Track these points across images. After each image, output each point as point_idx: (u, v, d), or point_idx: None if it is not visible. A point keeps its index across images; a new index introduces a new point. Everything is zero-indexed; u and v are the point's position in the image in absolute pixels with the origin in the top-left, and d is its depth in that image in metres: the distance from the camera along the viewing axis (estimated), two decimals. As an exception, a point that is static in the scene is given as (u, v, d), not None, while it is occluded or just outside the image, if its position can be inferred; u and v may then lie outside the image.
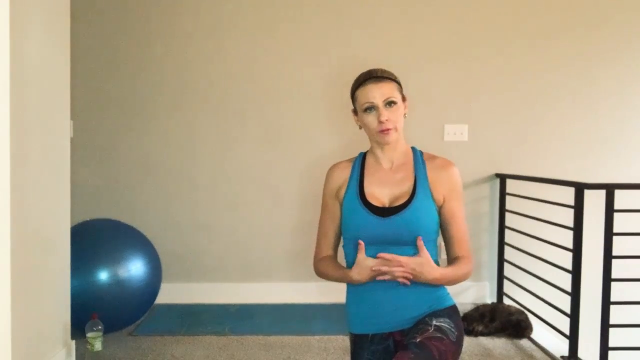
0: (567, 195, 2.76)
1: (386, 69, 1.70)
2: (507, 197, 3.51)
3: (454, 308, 1.67)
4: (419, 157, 1.71)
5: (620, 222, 2.59)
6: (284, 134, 3.58)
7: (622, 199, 2.65)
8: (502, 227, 3.52)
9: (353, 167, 1.73)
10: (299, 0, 3.57)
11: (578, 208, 2.66)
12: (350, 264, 1.65)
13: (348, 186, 1.70)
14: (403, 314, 1.61)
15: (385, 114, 1.61)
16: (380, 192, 1.66)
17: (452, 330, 1.57)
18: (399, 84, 1.67)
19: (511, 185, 3.51)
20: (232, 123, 3.58)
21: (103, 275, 2.77)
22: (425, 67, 3.58)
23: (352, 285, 1.68)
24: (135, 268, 2.87)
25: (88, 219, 3.17)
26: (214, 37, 3.55)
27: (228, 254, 3.61)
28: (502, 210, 3.52)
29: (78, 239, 2.73)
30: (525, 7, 3.58)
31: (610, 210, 2.56)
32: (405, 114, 1.68)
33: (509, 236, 3.48)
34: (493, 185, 3.62)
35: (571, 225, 2.69)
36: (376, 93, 1.62)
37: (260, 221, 3.61)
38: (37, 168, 2.21)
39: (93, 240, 2.90)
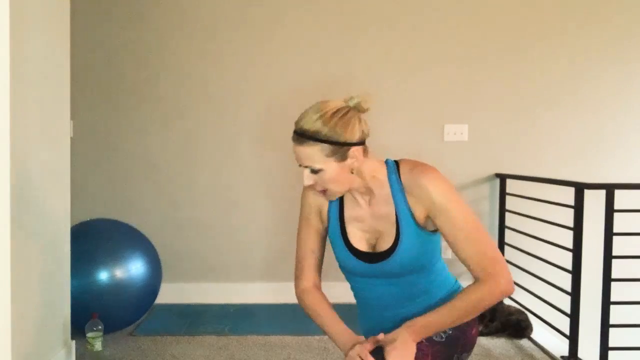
0: (567, 195, 2.76)
1: (316, 115, 1.36)
2: (507, 197, 3.51)
3: None
4: (394, 180, 1.45)
5: (620, 222, 2.59)
6: (285, 134, 3.56)
7: (622, 199, 2.65)
8: (502, 227, 3.52)
9: (329, 212, 1.54)
10: (299, 1, 3.56)
11: (578, 208, 2.66)
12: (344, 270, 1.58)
13: (329, 217, 1.54)
14: None
15: (309, 178, 1.41)
16: (362, 235, 1.49)
17: (447, 330, 1.46)
18: (326, 141, 1.35)
19: (511, 185, 3.51)
20: (232, 123, 3.58)
21: (103, 275, 2.77)
22: (425, 67, 3.58)
23: (357, 299, 1.62)
24: (135, 268, 2.87)
25: (88, 219, 3.17)
26: (215, 37, 3.55)
27: (228, 254, 3.61)
28: (502, 210, 3.52)
29: (78, 239, 2.73)
30: (525, 8, 3.58)
31: (610, 210, 2.56)
32: (352, 169, 1.40)
33: (509, 236, 3.48)
34: (493, 185, 3.62)
35: (571, 225, 2.69)
36: (297, 155, 1.40)
37: (261, 221, 3.61)
38: (37, 168, 2.20)
39: (93, 240, 2.90)
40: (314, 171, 1.40)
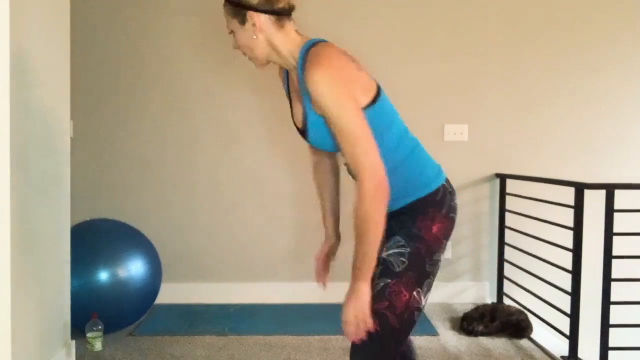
0: (567, 195, 2.76)
1: None
2: (507, 197, 3.51)
3: (423, 201, 1.46)
4: (299, 64, 1.43)
5: (620, 222, 2.60)
6: (285, 134, 3.58)
7: (622, 199, 2.65)
8: (502, 227, 3.52)
9: (283, 79, 1.61)
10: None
11: (578, 208, 2.66)
12: None
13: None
14: None
15: (232, 40, 1.50)
16: (296, 111, 1.55)
17: (404, 251, 1.43)
18: (234, 4, 1.43)
19: (511, 185, 3.52)
20: (232, 123, 3.58)
21: (103, 275, 2.77)
22: (425, 67, 3.58)
23: None
24: (135, 268, 2.87)
25: (88, 219, 3.17)
26: (214, 36, 3.55)
27: (228, 254, 3.62)
28: (502, 210, 3.52)
29: (78, 239, 2.73)
30: (525, 6, 3.58)
31: (610, 210, 2.56)
32: (255, 35, 1.43)
33: (509, 236, 3.49)
34: (493, 185, 3.62)
35: (571, 225, 2.69)
36: None
37: (260, 221, 3.61)
38: (37, 168, 2.21)
39: (93, 240, 2.90)
40: (231, 32, 1.48)
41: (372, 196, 1.32)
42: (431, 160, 1.54)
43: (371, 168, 1.33)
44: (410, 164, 1.47)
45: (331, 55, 1.38)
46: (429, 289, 1.46)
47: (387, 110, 1.49)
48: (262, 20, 1.42)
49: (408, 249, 1.43)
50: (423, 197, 1.47)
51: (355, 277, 1.37)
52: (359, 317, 1.36)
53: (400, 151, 1.48)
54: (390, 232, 1.45)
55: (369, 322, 1.37)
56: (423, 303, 1.44)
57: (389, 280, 1.41)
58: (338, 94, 1.34)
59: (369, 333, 1.38)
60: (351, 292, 1.37)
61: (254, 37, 1.44)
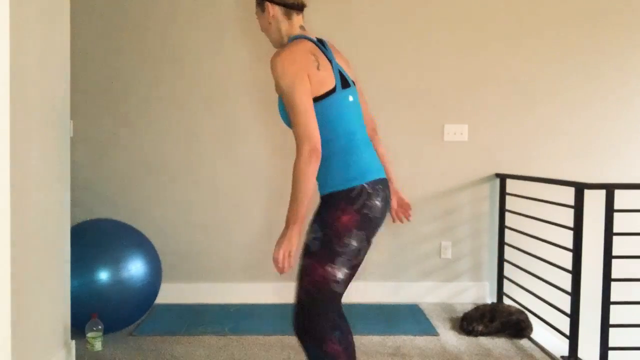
0: (567, 195, 2.77)
1: None
2: (507, 197, 3.51)
3: (338, 194, 1.72)
4: None
5: (620, 222, 2.60)
6: (285, 134, 3.58)
7: (622, 199, 2.65)
8: (502, 227, 3.52)
9: None
10: None
11: (578, 208, 2.66)
12: None
13: None
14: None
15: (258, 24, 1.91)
16: None
17: (317, 235, 1.70)
18: None
19: (511, 185, 3.52)
20: (233, 122, 3.58)
21: (103, 275, 2.77)
22: (425, 67, 3.58)
23: None
24: (135, 268, 2.87)
25: (88, 219, 3.17)
26: (214, 35, 3.55)
27: (228, 254, 3.62)
28: (502, 210, 3.52)
29: (78, 239, 2.73)
30: (526, 6, 3.58)
31: (610, 210, 2.56)
32: (270, 21, 1.84)
33: (509, 236, 3.49)
34: (493, 185, 3.62)
35: (571, 225, 2.69)
36: None
37: (261, 221, 3.62)
38: (37, 168, 2.21)
39: (93, 240, 2.90)
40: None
41: (306, 159, 1.61)
42: (360, 164, 1.75)
43: (308, 135, 1.62)
44: (337, 161, 1.74)
45: (293, 49, 1.72)
46: (344, 265, 1.70)
47: (331, 113, 1.72)
48: (275, 10, 1.82)
49: (320, 234, 1.70)
50: (339, 191, 1.72)
51: (287, 223, 1.64)
52: (286, 255, 1.63)
53: (325, 148, 1.71)
54: (312, 219, 1.75)
55: (292, 260, 1.64)
56: (339, 276, 1.70)
57: (308, 260, 1.71)
58: (291, 75, 1.67)
59: (300, 304, 1.70)
60: (283, 236, 1.64)
61: (269, 23, 1.84)
